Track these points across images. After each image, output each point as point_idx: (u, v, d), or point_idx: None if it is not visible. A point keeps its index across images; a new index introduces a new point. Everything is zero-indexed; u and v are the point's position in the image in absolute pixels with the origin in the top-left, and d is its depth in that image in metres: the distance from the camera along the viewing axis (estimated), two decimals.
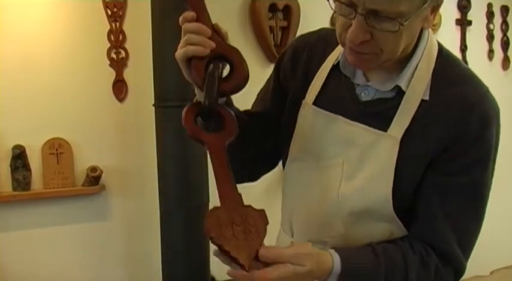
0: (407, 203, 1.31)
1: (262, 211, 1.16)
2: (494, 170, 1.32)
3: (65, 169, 3.49)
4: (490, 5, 5.30)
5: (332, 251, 1.23)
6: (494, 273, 5.22)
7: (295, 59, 1.49)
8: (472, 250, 1.33)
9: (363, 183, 1.30)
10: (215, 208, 1.14)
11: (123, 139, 3.70)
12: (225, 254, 1.11)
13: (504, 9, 5.40)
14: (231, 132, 1.24)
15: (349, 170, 1.33)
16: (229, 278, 3.79)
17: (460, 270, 1.32)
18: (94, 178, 3.50)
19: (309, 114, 1.41)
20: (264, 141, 1.51)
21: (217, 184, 1.17)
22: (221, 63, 1.23)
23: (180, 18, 1.24)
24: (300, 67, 1.47)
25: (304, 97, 1.43)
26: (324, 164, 1.38)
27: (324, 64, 1.43)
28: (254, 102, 1.57)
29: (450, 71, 1.30)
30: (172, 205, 3.22)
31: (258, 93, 1.58)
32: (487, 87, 1.29)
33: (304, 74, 1.45)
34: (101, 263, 3.70)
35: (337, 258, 1.21)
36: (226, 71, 1.26)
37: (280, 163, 1.60)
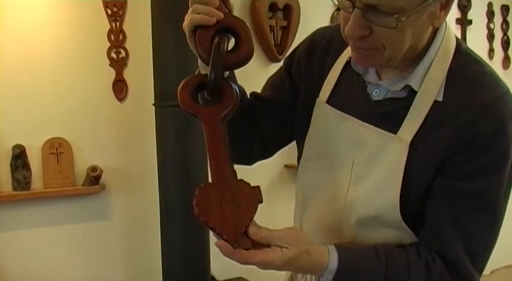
0: (417, 209, 1.25)
1: (257, 187, 1.11)
2: None
3: (65, 168, 3.49)
4: (490, 4, 5.30)
5: (332, 247, 1.20)
6: (494, 272, 5.22)
7: (310, 53, 1.44)
8: (485, 260, 1.25)
9: (370, 188, 1.26)
10: (205, 185, 1.11)
11: (123, 139, 3.70)
12: (211, 230, 1.09)
13: (504, 9, 5.40)
14: (227, 105, 1.19)
15: (358, 173, 1.29)
16: (230, 277, 3.79)
17: (468, 280, 1.24)
18: (94, 178, 3.50)
19: (322, 113, 1.38)
20: (263, 125, 1.48)
21: (209, 158, 1.13)
22: (227, 35, 1.20)
23: None
24: (315, 62, 1.43)
25: (318, 95, 1.39)
26: (333, 166, 1.35)
27: (338, 60, 1.38)
28: (263, 87, 1.54)
29: (467, 71, 1.23)
30: (172, 204, 3.23)
31: (268, 79, 1.55)
32: (506, 89, 1.21)
33: (319, 70, 1.41)
34: (101, 262, 3.70)
35: (334, 254, 1.18)
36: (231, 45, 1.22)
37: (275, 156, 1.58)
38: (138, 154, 3.72)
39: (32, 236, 3.51)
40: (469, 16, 5.17)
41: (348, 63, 1.34)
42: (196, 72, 1.32)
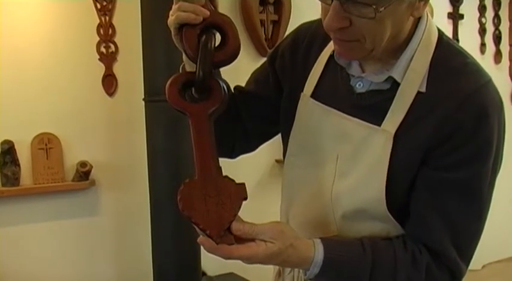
0: (403, 201, 1.26)
1: (242, 184, 1.13)
2: (497, 167, 1.24)
3: (55, 164, 3.46)
4: None
5: (317, 240, 1.20)
6: (485, 267, 5.24)
7: (295, 48, 1.45)
8: (472, 251, 1.26)
9: (356, 181, 1.26)
10: (190, 180, 1.12)
11: (113, 134, 3.68)
12: (195, 226, 1.10)
13: (496, 3, 5.40)
14: (215, 102, 1.21)
15: (343, 166, 1.30)
16: (221, 273, 3.78)
17: (455, 271, 1.24)
18: (84, 173, 3.48)
19: (306, 107, 1.38)
20: (246, 119, 1.49)
21: (194, 154, 1.15)
22: (214, 33, 1.21)
23: None
24: (300, 56, 1.43)
25: (302, 89, 1.39)
26: (318, 160, 1.35)
27: (322, 53, 1.39)
28: (247, 81, 1.54)
29: (449, 61, 1.24)
30: (162, 200, 3.21)
31: (252, 73, 1.56)
32: (488, 79, 1.22)
33: (304, 64, 1.41)
34: (91, 258, 3.68)
35: (320, 248, 1.19)
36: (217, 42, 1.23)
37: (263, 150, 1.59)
38: (128, 149, 3.70)
39: (21, 232, 3.49)
40: (461, 10, 5.17)
41: (332, 56, 1.34)
42: (181, 67, 1.33)
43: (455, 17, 5.14)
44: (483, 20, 5.32)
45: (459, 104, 1.17)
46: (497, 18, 5.42)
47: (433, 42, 1.25)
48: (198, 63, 1.19)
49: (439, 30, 1.29)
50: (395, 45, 1.22)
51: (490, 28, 5.39)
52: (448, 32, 5.07)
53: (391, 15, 1.11)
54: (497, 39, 5.42)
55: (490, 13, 5.39)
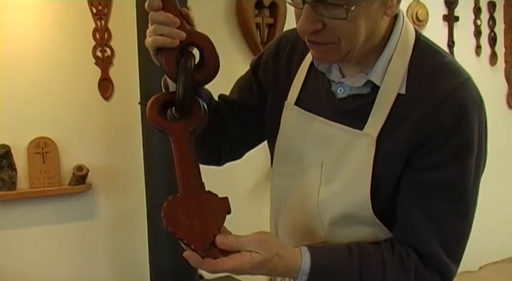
0: (389, 204, 1.25)
1: (225, 198, 1.14)
2: (482, 166, 1.24)
3: (51, 168, 3.46)
4: (477, 1, 5.33)
5: (304, 248, 1.20)
6: (482, 268, 5.24)
7: (277, 56, 1.45)
8: (461, 251, 1.26)
9: (341, 186, 1.26)
10: (173, 197, 1.13)
11: (109, 138, 3.68)
12: (179, 241, 1.11)
13: (491, 5, 5.42)
14: (195, 121, 1.22)
15: (328, 172, 1.30)
16: (217, 276, 3.76)
17: (444, 272, 1.24)
18: (80, 177, 3.48)
19: (291, 116, 1.38)
20: (231, 127, 1.48)
21: (177, 172, 1.16)
22: (192, 54, 1.21)
23: (146, 5, 1.18)
24: (282, 64, 1.43)
25: (286, 97, 1.39)
26: (303, 167, 1.35)
27: (304, 60, 1.39)
28: (232, 89, 1.54)
29: (427, 62, 1.23)
30: (159, 203, 3.19)
31: (236, 82, 1.55)
32: (467, 77, 1.22)
33: (286, 72, 1.42)
34: (88, 261, 3.68)
35: (307, 255, 1.18)
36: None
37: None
38: (124, 152, 3.71)
39: (18, 236, 3.49)
40: (456, 13, 5.19)
41: (313, 63, 1.34)
42: (162, 81, 1.34)
43: (451, 19, 5.15)
44: (478, 22, 5.34)
45: (438, 103, 1.17)
46: (492, 20, 5.44)
47: (410, 43, 1.25)
48: (177, 84, 1.19)
49: (416, 30, 1.29)
50: (372, 47, 1.22)
51: (485, 30, 5.41)
52: (444, 35, 5.09)
53: (363, 14, 1.11)
54: (492, 41, 5.44)
55: (485, 15, 5.40)
